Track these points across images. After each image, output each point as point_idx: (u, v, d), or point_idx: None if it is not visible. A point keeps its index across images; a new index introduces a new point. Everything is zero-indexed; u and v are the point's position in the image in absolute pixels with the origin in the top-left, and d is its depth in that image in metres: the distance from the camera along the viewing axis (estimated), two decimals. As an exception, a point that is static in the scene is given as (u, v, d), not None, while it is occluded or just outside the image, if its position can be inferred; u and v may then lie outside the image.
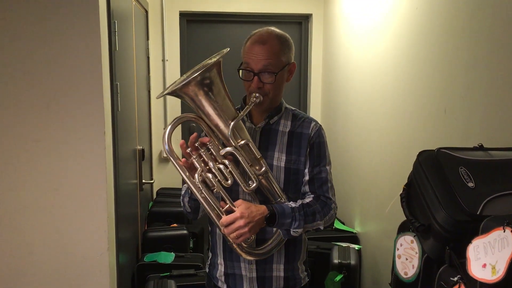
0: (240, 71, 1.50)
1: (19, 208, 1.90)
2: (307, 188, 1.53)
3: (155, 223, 3.36)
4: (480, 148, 1.34)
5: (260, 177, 1.44)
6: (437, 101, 2.00)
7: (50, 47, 1.83)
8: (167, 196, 3.70)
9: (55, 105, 1.86)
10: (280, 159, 1.51)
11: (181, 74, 3.81)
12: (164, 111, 3.98)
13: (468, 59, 1.78)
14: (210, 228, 1.64)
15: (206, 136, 1.43)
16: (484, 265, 0.96)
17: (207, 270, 1.68)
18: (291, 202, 1.48)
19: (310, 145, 1.52)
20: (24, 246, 1.92)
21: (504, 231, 0.94)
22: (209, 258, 1.66)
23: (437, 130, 2.01)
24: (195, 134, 1.38)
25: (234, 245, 1.43)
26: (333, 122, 3.65)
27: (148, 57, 3.78)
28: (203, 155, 1.37)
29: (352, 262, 2.71)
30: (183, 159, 1.39)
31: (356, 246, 2.96)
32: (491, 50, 1.64)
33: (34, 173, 1.88)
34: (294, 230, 1.45)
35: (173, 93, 1.34)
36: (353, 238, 3.11)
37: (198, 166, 1.36)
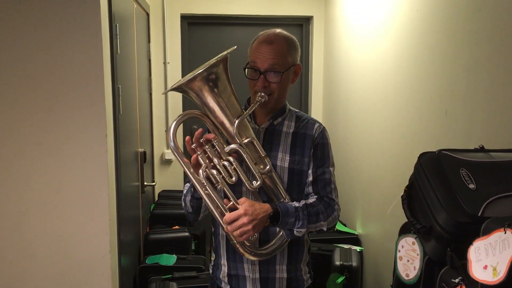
0: (246, 70, 1.51)
1: (21, 211, 1.90)
2: (310, 189, 1.53)
3: (157, 225, 3.37)
4: (481, 149, 1.34)
5: (264, 176, 1.44)
6: (438, 103, 2.00)
7: (51, 51, 1.84)
8: (168, 198, 3.70)
9: (57, 108, 1.87)
10: (283, 159, 1.52)
11: (182, 77, 3.82)
12: (166, 114, 3.99)
13: (469, 60, 1.78)
14: (213, 229, 1.64)
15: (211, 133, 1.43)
16: (485, 267, 0.96)
17: (210, 271, 1.68)
18: (294, 202, 1.49)
19: (314, 146, 1.53)
20: (26, 248, 1.93)
21: (505, 233, 0.94)
22: (213, 259, 1.67)
23: (438, 132, 2.01)
24: (200, 130, 1.38)
25: (237, 245, 1.42)
26: (334, 124, 3.65)
27: (150, 60, 3.79)
28: (208, 152, 1.37)
29: (354, 264, 2.71)
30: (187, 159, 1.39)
31: (358, 248, 2.95)
32: (492, 52, 1.64)
33: (36, 175, 1.89)
34: (297, 229, 1.45)
35: (180, 89, 1.35)
36: (355, 239, 3.11)
37: (202, 162, 1.37)
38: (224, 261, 1.59)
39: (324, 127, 1.58)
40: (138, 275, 2.78)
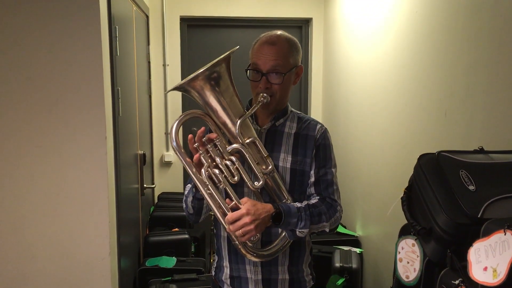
0: (248, 72, 1.51)
1: (21, 213, 1.90)
2: (312, 189, 1.53)
3: (156, 227, 3.36)
4: (481, 151, 1.34)
5: (266, 176, 1.44)
6: (438, 104, 2.01)
7: (51, 53, 1.84)
8: (168, 201, 3.70)
9: (57, 110, 1.87)
10: (285, 160, 1.52)
11: (182, 79, 3.82)
12: (165, 116, 3.99)
13: (468, 62, 1.78)
14: (215, 231, 1.64)
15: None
16: (485, 268, 0.96)
17: (213, 273, 1.68)
18: (296, 202, 1.48)
19: (316, 147, 1.53)
20: (26, 251, 1.93)
21: (505, 234, 0.94)
22: (215, 261, 1.66)
23: (438, 133, 2.01)
24: (203, 129, 1.38)
25: (239, 245, 1.41)
26: (334, 126, 3.65)
27: (149, 62, 3.79)
28: (210, 151, 1.37)
29: (354, 265, 2.71)
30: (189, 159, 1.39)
31: (358, 250, 2.95)
32: (491, 53, 1.64)
33: (35, 178, 1.89)
34: (300, 230, 1.44)
35: (182, 88, 1.35)
36: (355, 241, 3.11)
37: (204, 161, 1.37)
38: (226, 263, 1.59)
39: (326, 128, 1.58)
40: (137, 278, 2.78)
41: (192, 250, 3.18)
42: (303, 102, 4.20)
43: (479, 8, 1.71)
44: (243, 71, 1.53)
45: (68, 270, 1.95)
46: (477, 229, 1.03)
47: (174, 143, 1.36)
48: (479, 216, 1.11)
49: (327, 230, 1.51)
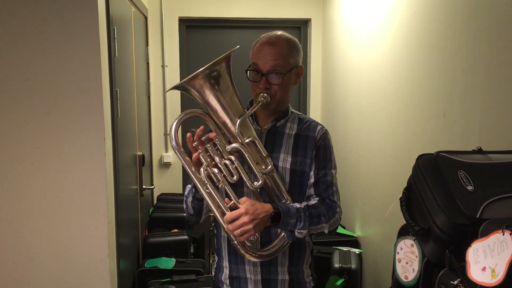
0: (248, 72, 1.51)
1: (20, 214, 1.90)
2: (312, 190, 1.53)
3: (155, 228, 3.36)
4: (479, 151, 1.34)
5: (265, 176, 1.43)
6: (436, 105, 2.01)
7: (50, 54, 1.84)
8: (167, 202, 3.70)
9: (55, 112, 1.87)
10: (285, 160, 1.52)
11: (181, 80, 3.82)
12: (164, 117, 3.99)
13: (467, 62, 1.78)
14: (215, 232, 1.64)
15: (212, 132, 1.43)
16: (484, 269, 0.96)
17: (213, 274, 1.67)
18: (296, 203, 1.48)
19: (316, 148, 1.53)
20: (25, 252, 1.92)
21: (503, 234, 0.94)
22: (215, 261, 1.66)
23: (436, 134, 2.01)
24: (202, 127, 1.38)
25: (238, 245, 1.41)
26: (333, 126, 3.65)
27: (148, 63, 3.79)
28: (209, 150, 1.37)
29: (353, 266, 2.71)
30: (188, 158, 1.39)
31: (357, 250, 2.95)
32: (490, 53, 1.65)
33: (34, 179, 1.89)
34: (298, 231, 1.44)
35: (182, 87, 1.35)
36: (354, 242, 3.11)
37: (204, 160, 1.37)
38: (226, 263, 1.59)
39: (326, 129, 1.58)
40: (137, 279, 2.78)
41: (191, 251, 3.18)
42: (302, 102, 4.20)
43: (478, 9, 1.72)
44: (243, 72, 1.53)
45: (67, 271, 1.95)
46: (476, 230, 1.03)
47: (174, 142, 1.36)
48: (477, 217, 1.11)
49: (326, 231, 1.51)
